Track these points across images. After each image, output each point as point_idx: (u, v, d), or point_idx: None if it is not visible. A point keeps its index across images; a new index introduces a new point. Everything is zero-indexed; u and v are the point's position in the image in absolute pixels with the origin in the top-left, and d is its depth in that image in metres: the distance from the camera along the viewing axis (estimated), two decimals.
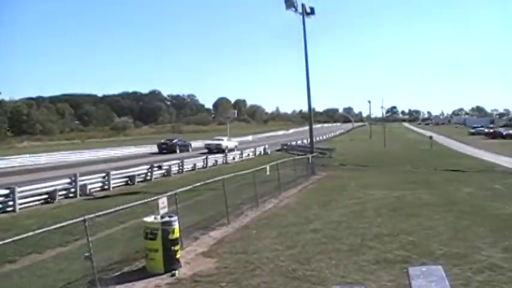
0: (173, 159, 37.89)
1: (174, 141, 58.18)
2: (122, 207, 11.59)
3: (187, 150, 57.09)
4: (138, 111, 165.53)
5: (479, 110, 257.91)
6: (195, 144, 61.84)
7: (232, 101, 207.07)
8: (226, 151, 53.87)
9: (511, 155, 47.28)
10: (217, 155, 44.85)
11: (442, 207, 19.77)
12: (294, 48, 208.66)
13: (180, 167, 34.44)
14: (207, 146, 58.17)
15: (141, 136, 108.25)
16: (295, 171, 28.78)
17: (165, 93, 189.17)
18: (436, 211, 18.77)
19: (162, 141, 58.99)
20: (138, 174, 28.74)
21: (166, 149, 55.96)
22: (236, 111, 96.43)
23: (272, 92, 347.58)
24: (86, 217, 9.50)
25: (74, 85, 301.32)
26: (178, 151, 55.57)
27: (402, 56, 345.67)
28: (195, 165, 38.33)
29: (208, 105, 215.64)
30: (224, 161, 45.06)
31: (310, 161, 33.89)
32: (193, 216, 15.97)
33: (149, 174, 29.96)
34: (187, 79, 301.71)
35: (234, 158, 48.50)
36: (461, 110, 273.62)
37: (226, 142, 59.94)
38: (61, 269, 11.00)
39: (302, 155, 40.95)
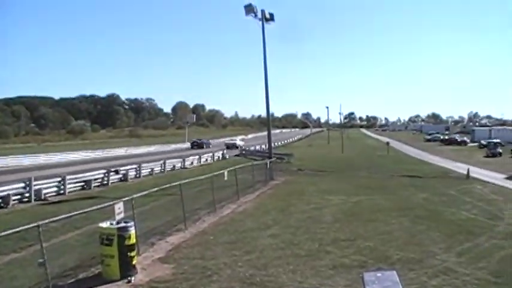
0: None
1: (201, 141, 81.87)
2: (77, 212, 11.38)
3: (209, 147, 77.72)
4: (96, 115, 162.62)
5: (435, 117, 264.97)
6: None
7: (191, 106, 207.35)
8: (240, 147, 73.74)
9: (465, 161, 48.49)
10: (174, 160, 44.79)
11: (398, 212, 20.17)
12: (253, 54, 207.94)
13: (138, 172, 33.64)
14: (227, 144, 79.73)
15: (98, 140, 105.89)
16: (254, 177, 29.09)
17: (123, 97, 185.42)
18: (393, 216, 19.13)
19: (194, 140, 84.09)
20: (95, 179, 28.19)
21: (197, 145, 78.52)
22: (195, 116, 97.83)
23: (231, 97, 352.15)
24: (40, 223, 9.28)
25: (30, 87, 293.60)
26: (205, 147, 76.53)
27: (361, 63, 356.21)
28: (152, 169, 37.83)
29: (167, 109, 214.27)
30: (182, 166, 44.61)
31: (268, 166, 34.05)
32: (150, 222, 15.90)
33: (106, 179, 29.26)
34: (146, 83, 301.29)
35: (192, 163, 47.86)
36: (417, 116, 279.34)
37: (239, 141, 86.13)
38: (14, 275, 10.89)
39: (260, 160, 41.73)
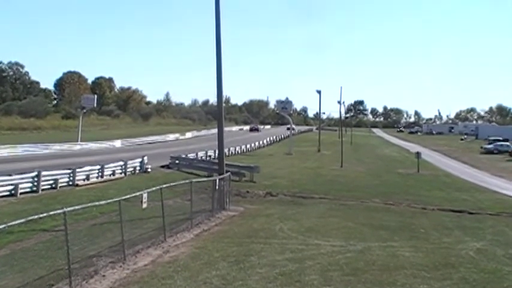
0: None
1: (257, 126, 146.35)
2: None
3: (260, 131, 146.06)
4: None
5: (501, 113, 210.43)
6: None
7: (90, 80, 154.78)
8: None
9: None
10: (55, 171, 30.50)
11: (432, 272, 15.57)
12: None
13: None
14: (288, 128, 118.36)
15: None
16: (193, 204, 22.51)
17: None
18: (423, 279, 14.67)
19: (252, 125, 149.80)
20: None
21: (255, 130, 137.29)
22: (96, 97, 74.11)
23: (161, 71, 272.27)
24: None
25: None
26: (259, 131, 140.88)
27: (375, 25, 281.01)
28: (15, 187, 26.66)
29: (47, 83, 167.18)
30: (71, 182, 31.88)
31: (217, 187, 27.25)
32: (6, 279, 12.40)
33: None
34: (12, 39, 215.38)
35: (88, 178, 34.23)
36: (471, 111, 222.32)
37: (296, 127, 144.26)
38: None
39: (205, 176, 34.31)
